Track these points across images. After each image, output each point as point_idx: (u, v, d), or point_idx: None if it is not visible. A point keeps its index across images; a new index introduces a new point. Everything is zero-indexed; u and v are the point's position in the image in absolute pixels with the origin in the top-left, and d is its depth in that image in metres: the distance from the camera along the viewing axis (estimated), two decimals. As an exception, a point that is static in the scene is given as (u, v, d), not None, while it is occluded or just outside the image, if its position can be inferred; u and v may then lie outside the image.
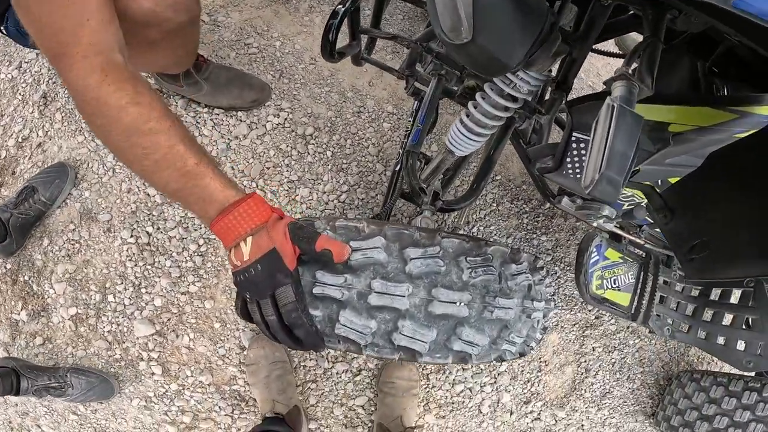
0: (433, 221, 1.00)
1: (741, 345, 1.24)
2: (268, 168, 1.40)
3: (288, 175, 1.40)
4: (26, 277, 1.41)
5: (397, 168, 1.25)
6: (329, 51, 1.11)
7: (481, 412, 1.53)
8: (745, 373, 1.37)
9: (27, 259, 1.42)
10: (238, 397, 1.42)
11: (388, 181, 1.27)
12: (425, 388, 1.50)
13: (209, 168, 0.72)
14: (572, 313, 1.68)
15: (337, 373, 1.45)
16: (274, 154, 1.42)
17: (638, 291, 1.32)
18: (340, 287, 0.73)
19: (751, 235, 0.85)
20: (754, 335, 1.20)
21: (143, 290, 1.37)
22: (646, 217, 1.10)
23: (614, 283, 1.30)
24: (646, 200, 1.11)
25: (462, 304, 0.76)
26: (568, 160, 1.00)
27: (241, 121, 1.44)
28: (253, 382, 1.38)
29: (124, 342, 1.39)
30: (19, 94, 1.53)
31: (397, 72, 1.29)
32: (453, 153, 1.05)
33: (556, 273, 1.68)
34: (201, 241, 1.37)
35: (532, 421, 1.59)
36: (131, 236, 1.37)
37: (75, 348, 1.40)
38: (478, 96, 0.93)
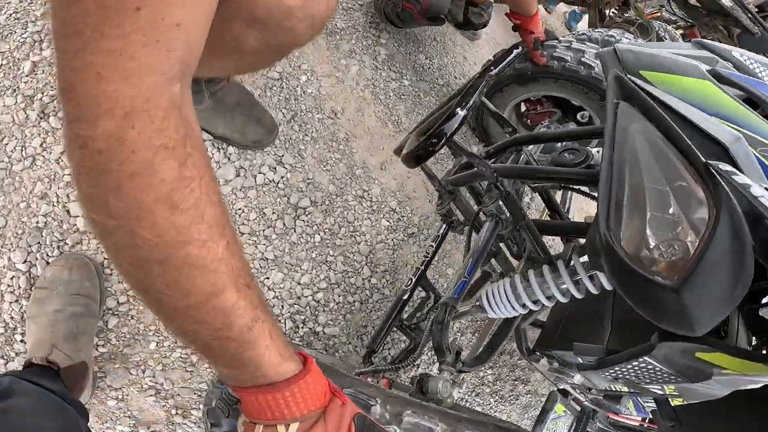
0: (451, 384, 0.86)
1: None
2: (242, 233, 1.11)
3: (263, 250, 1.12)
4: None
5: (404, 298, 1.08)
6: (416, 160, 0.89)
7: None
8: None
9: None
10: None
11: (385, 316, 1.08)
12: None
13: (265, 332, 0.49)
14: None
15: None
16: (254, 218, 1.13)
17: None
18: None
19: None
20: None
21: (18, 337, 0.98)
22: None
23: (555, 435, 1.31)
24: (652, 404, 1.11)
25: None
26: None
27: (229, 159, 1.14)
28: (34, 314, 0.94)
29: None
30: None
31: (438, 184, 1.12)
32: (485, 312, 0.94)
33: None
34: (123, 298, 1.03)
35: None
36: (24, 262, 0.98)
37: None
38: (546, 271, 0.84)
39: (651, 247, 0.55)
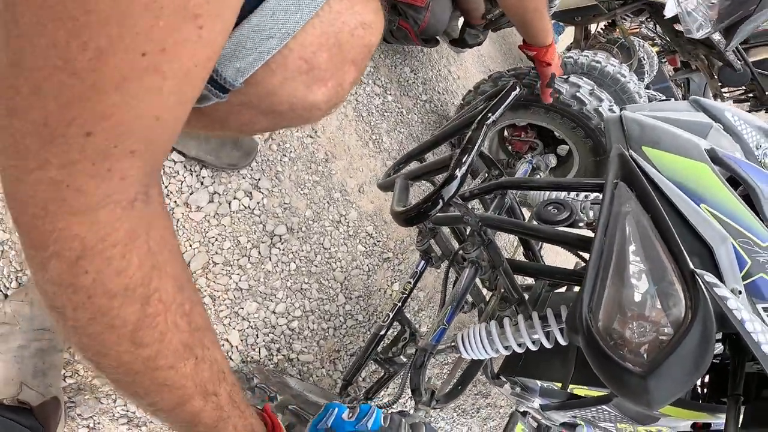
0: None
1: None
2: (216, 263, 1.07)
3: (238, 280, 1.09)
4: None
5: (381, 333, 1.09)
6: (409, 222, 0.86)
7: None
8: None
9: None
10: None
11: (362, 350, 1.08)
12: None
13: (229, 426, 0.51)
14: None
15: None
16: (229, 247, 1.09)
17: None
18: None
19: None
20: None
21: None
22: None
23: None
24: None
25: None
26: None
27: (202, 183, 1.08)
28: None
29: None
30: None
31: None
32: (459, 353, 0.95)
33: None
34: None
35: None
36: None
37: None
38: (520, 320, 0.86)
39: (625, 330, 0.58)
